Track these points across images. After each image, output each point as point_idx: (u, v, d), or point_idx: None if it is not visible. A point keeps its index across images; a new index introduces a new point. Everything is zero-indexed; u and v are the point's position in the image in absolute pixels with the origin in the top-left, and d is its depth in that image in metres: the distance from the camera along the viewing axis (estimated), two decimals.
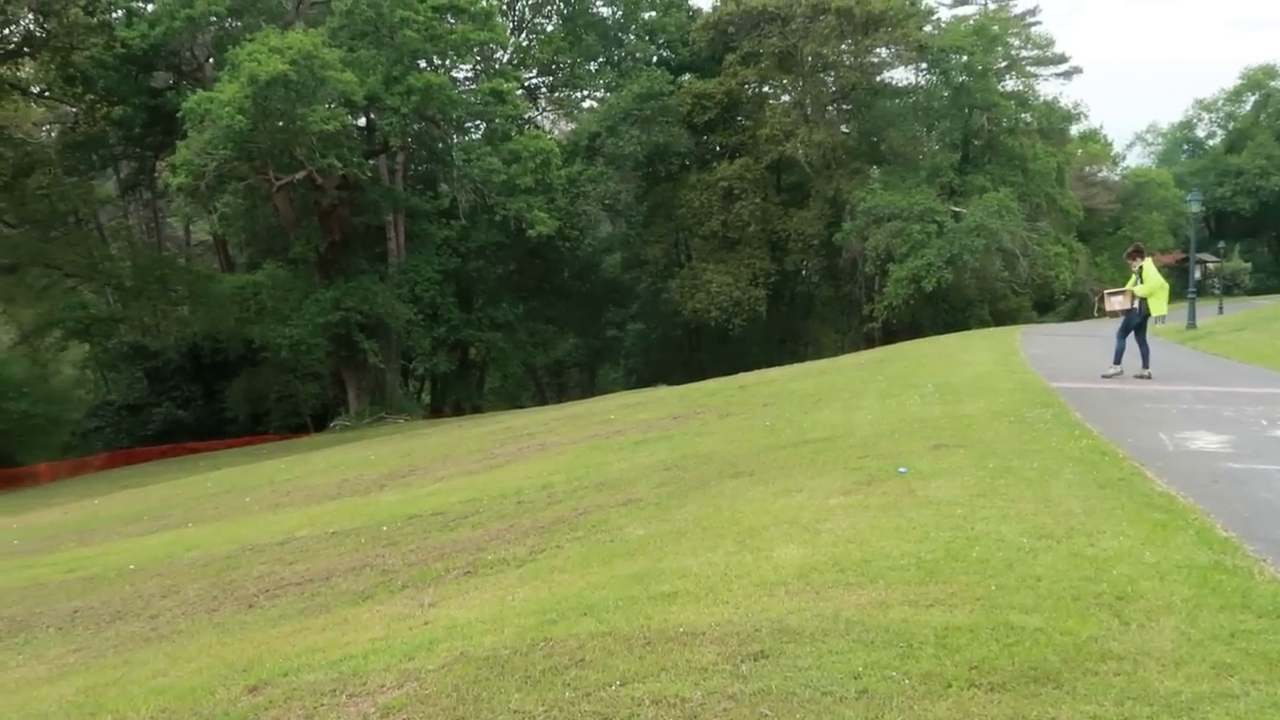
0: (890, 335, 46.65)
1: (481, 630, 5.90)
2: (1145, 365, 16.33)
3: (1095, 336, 25.51)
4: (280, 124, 35.37)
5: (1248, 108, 79.98)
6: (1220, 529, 6.38)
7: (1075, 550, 5.88)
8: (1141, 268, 16.34)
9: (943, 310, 49.66)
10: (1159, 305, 16.42)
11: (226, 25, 41.70)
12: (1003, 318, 49.05)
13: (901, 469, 8.80)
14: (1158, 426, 10.86)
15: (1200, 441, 9.93)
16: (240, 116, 32.96)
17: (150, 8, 40.89)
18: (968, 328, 44.00)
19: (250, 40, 35.45)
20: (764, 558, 6.41)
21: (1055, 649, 4.44)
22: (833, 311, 55.53)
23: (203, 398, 50.16)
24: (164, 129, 43.52)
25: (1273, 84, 78.01)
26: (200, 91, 36.02)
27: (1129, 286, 16.68)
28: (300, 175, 38.11)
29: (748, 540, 6.98)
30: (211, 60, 42.89)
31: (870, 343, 46.20)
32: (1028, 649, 4.46)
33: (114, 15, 41.54)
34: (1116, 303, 16.90)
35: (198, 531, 14.96)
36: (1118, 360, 16.45)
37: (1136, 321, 16.44)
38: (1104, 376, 16.26)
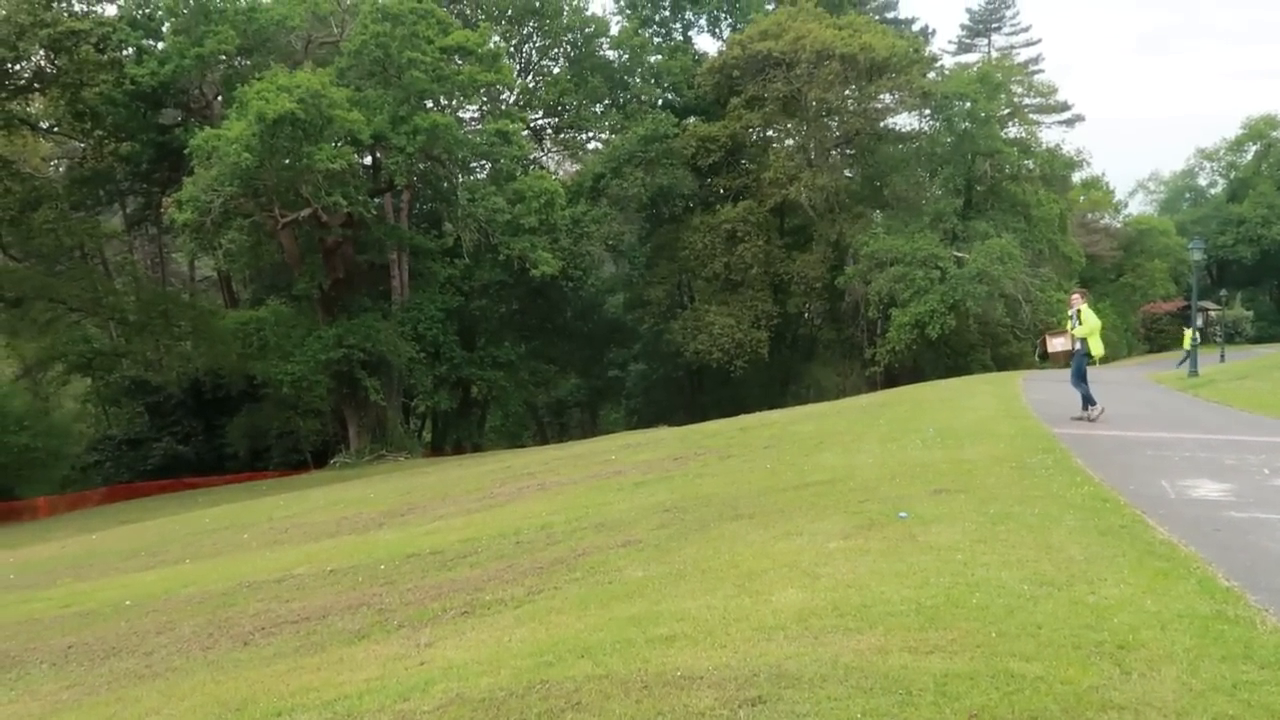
0: (892, 379, 46.65)
1: (478, 671, 5.85)
2: (1093, 404, 16.77)
3: (1098, 383, 25.49)
4: (287, 162, 35.63)
5: (1249, 157, 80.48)
6: (1222, 578, 6.34)
7: (1076, 598, 5.84)
8: (1080, 310, 16.65)
9: (944, 354, 49.68)
10: (1098, 346, 16.85)
11: (235, 64, 42.11)
12: (1004, 363, 49.07)
13: (902, 513, 8.76)
14: (1159, 474, 10.83)
15: (1202, 490, 9.89)
16: (247, 154, 33.20)
17: (160, 46, 41.33)
18: (969, 372, 44.04)
19: (259, 79, 35.79)
20: (763, 601, 6.37)
21: (1056, 698, 4.40)
22: (834, 355, 55.58)
23: (203, 433, 50.15)
24: (171, 165, 43.86)
25: (1274, 134, 78.57)
26: (208, 129, 36.37)
27: (1067, 329, 17.07)
28: (305, 213, 38.30)
29: (747, 584, 6.94)
30: (220, 98, 43.28)
31: (872, 386, 46.23)
32: (1028, 697, 4.42)
33: (124, 53, 41.92)
34: (1059, 344, 17.28)
35: (195, 568, 14.89)
36: (1090, 403, 16.75)
37: (1085, 364, 16.73)
38: (1089, 420, 16.46)
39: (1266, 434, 15.16)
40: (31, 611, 12.96)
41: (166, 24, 41.42)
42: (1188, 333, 37.50)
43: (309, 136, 34.70)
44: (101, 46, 40.97)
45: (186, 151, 36.30)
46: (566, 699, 5.01)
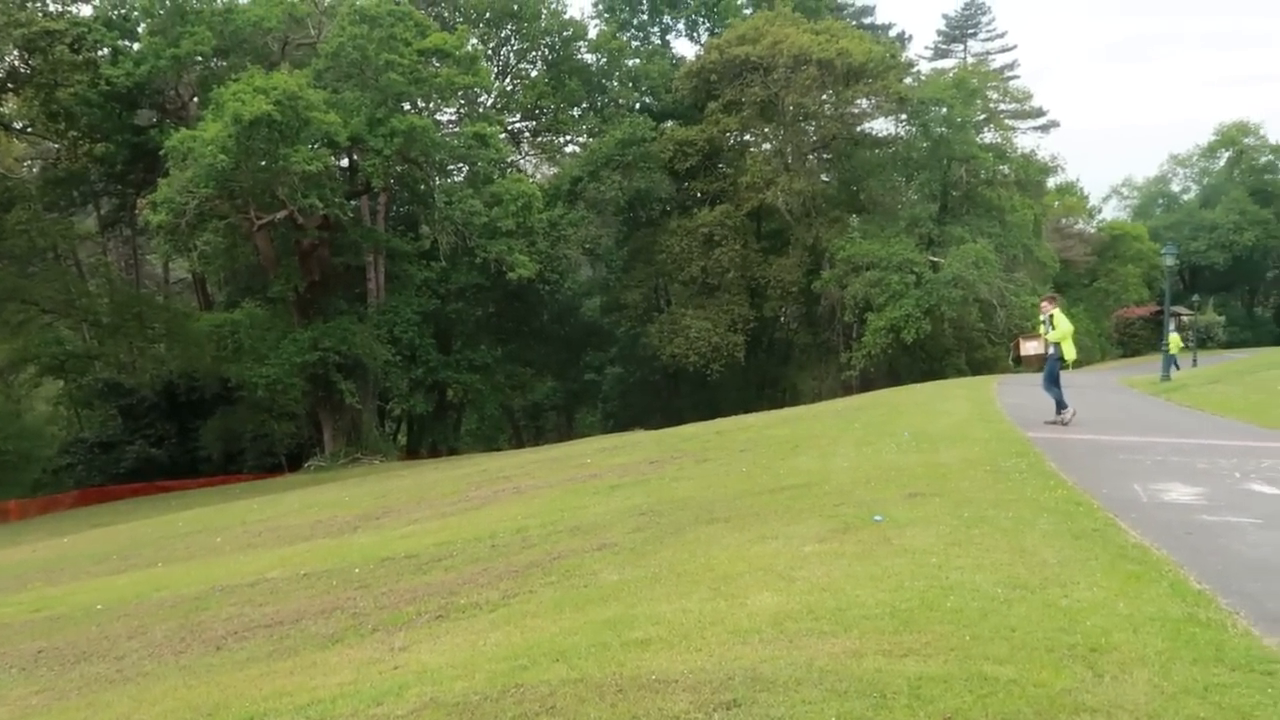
0: (868, 383, 46.80)
1: (452, 675, 5.83)
2: (1066, 408, 17.03)
3: (1071, 387, 25.65)
4: (263, 163, 35.44)
5: (1221, 164, 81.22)
6: (1194, 581, 6.38)
7: (1049, 601, 5.87)
8: (1052, 315, 17.02)
9: (920, 359, 49.87)
10: (1071, 350, 17.19)
11: (212, 65, 41.88)
12: (979, 367, 49.30)
13: (877, 517, 8.79)
14: (1132, 478, 10.90)
15: (1174, 493, 9.96)
16: (223, 155, 33.01)
17: (136, 46, 41.10)
18: (944, 376, 44.20)
19: (235, 80, 35.62)
20: (738, 605, 6.37)
21: (1029, 701, 4.42)
22: (811, 358, 55.68)
23: (177, 436, 49.76)
24: (146, 166, 43.61)
25: (1246, 140, 79.28)
26: (183, 130, 36.14)
27: (1041, 333, 17.39)
28: (281, 215, 38.12)
29: (722, 587, 6.94)
30: (196, 99, 43.04)
31: (848, 390, 46.33)
32: (1001, 701, 4.43)
33: (100, 53, 41.67)
34: (1032, 348, 17.67)
35: (167, 571, 14.78)
36: (1062, 407, 17.01)
37: (1058, 368, 16.95)
38: (1062, 424, 16.70)
39: (1238, 438, 15.28)
40: (1, 616, 12.83)
41: (142, 25, 41.23)
42: (1174, 337, 38.60)
43: (285, 138, 34.56)
44: (76, 47, 40.69)
45: (162, 153, 36.11)
46: (541, 703, 5.00)
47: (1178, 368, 37.23)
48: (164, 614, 10.73)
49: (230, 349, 41.80)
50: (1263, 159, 79.51)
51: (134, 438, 48.85)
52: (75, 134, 44.18)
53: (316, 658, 7.46)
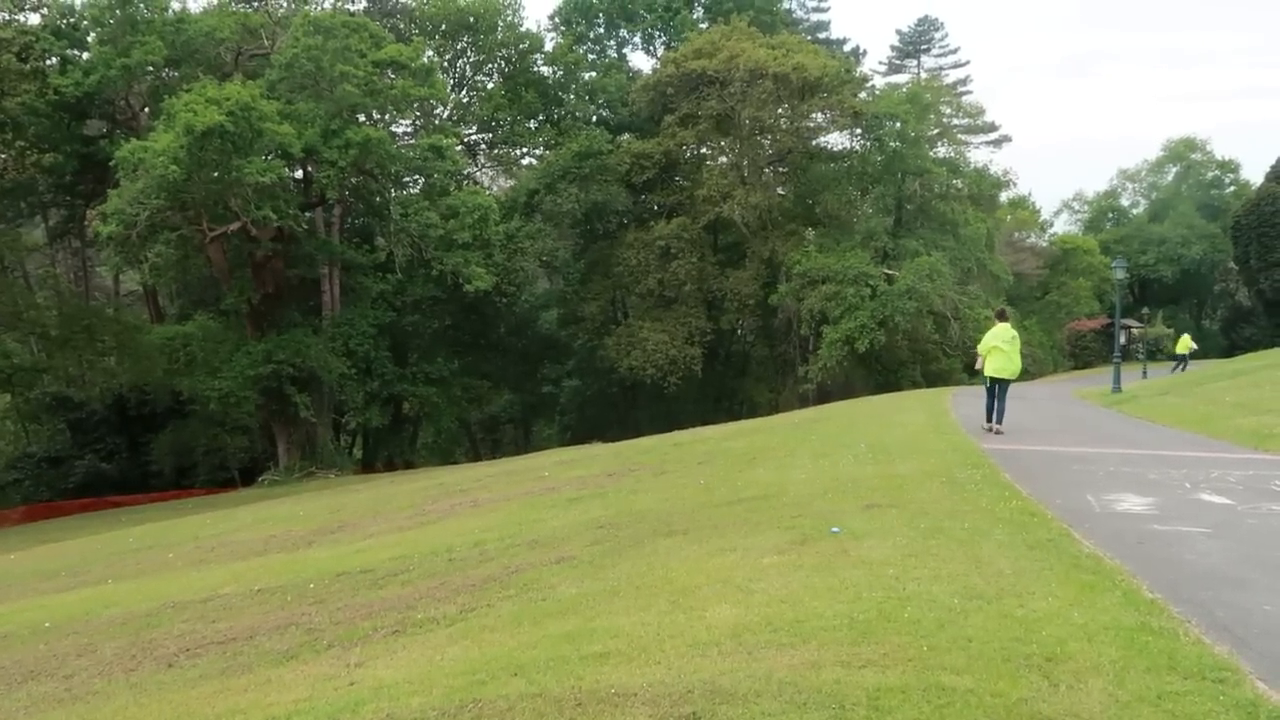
0: (824, 395, 47.02)
1: (409, 691, 5.78)
2: (987, 419, 17.58)
3: (1024, 399, 25.94)
4: (215, 175, 35.14)
5: (1169, 178, 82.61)
6: (1146, 590, 6.45)
7: (1005, 611, 5.91)
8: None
9: (876, 371, 50.19)
10: (991, 365, 17.60)
11: (163, 75, 41.48)
12: (934, 379, 49.68)
13: (835, 529, 8.81)
14: (1085, 488, 11.02)
15: (1126, 503, 10.07)
16: (174, 166, 32.68)
17: (85, 56, 40.60)
18: (900, 388, 44.54)
19: (187, 90, 35.30)
20: (697, 617, 6.36)
21: (986, 711, 4.44)
22: (767, 371, 55.92)
23: (127, 450, 49.10)
24: (96, 177, 43.05)
25: (1193, 156, 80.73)
26: (134, 140, 35.72)
27: None
28: (235, 226, 37.77)
29: (681, 600, 6.93)
30: (147, 109, 42.60)
31: (804, 402, 46.54)
32: (959, 711, 4.45)
33: (48, 62, 41.12)
34: (979, 363, 18.31)
35: (117, 588, 14.55)
36: (987, 418, 17.67)
37: (986, 381, 17.68)
38: (984, 430, 17.25)
39: (1187, 449, 15.48)
40: None
41: (92, 34, 40.72)
42: (1184, 338, 40.22)
43: (238, 149, 34.26)
44: (24, 55, 40.10)
45: (112, 163, 35.68)
46: (499, 718, 4.96)
47: (1184, 369, 38.60)
48: (114, 631, 10.56)
49: (182, 362, 41.31)
50: (1209, 174, 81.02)
51: (83, 452, 48.16)
52: (23, 144, 43.51)
53: (271, 675, 7.37)
